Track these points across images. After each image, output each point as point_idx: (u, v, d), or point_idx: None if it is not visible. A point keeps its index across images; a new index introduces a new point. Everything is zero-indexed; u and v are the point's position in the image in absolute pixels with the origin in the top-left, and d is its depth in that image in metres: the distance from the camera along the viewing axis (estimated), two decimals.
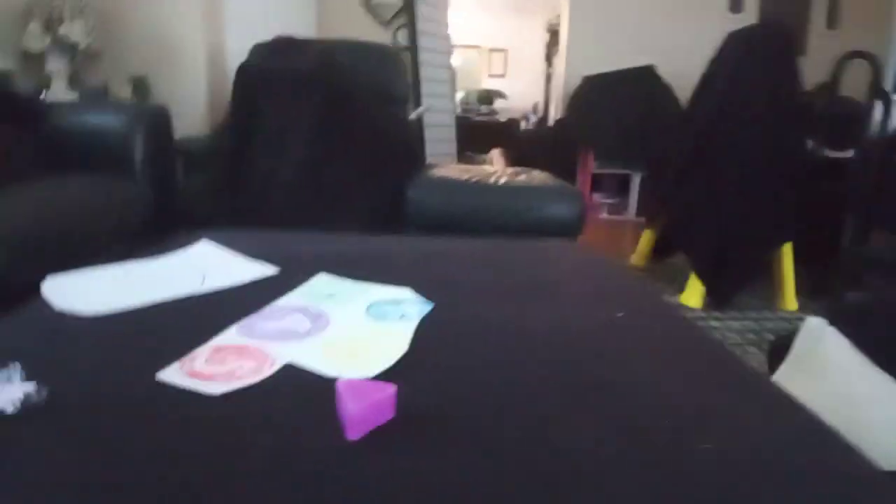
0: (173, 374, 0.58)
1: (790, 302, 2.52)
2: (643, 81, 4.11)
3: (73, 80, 2.38)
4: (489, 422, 0.51)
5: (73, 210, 1.48)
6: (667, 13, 4.42)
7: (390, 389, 0.49)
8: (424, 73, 3.89)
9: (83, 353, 0.64)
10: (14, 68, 2.13)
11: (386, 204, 2.09)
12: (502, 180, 2.28)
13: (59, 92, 2.29)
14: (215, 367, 0.60)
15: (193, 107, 2.67)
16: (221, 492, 0.41)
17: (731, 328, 2.30)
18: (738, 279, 2.43)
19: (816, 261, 2.58)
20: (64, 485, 0.42)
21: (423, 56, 3.92)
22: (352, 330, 0.72)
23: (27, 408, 0.50)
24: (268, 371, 0.59)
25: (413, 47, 3.86)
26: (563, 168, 3.83)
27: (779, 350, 1.34)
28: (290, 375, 0.59)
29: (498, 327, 0.75)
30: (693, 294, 2.47)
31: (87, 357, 0.63)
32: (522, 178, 2.41)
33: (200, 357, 0.62)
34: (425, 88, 3.87)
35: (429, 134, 3.90)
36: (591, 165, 4.21)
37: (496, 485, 0.42)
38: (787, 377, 1.27)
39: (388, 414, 0.49)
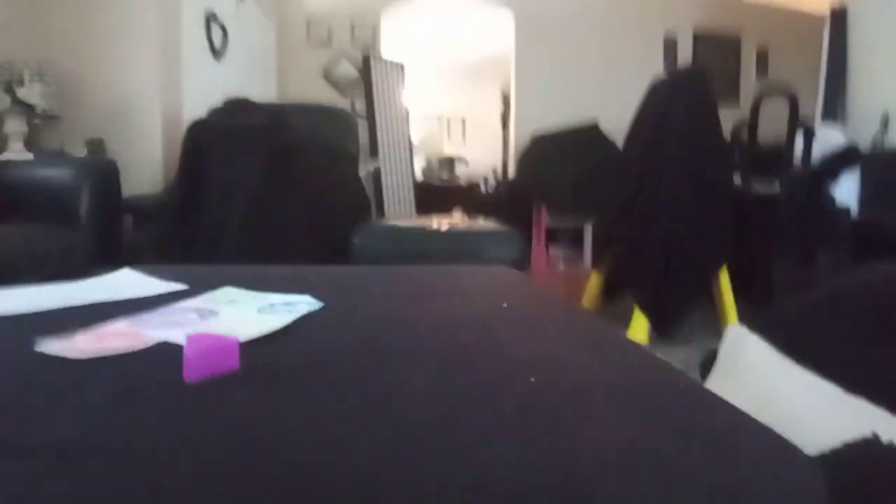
0: (49, 347, 0.62)
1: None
2: (588, 137, 4.31)
3: (31, 142, 2.46)
4: (338, 377, 0.56)
5: (8, 254, 1.51)
6: (608, 73, 4.71)
7: (233, 340, 0.54)
8: (381, 136, 4.08)
9: None
10: None
11: (331, 249, 2.15)
12: (445, 227, 2.38)
13: (15, 153, 2.36)
14: (90, 344, 0.64)
15: (148, 166, 2.75)
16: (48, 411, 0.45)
17: (677, 357, 2.36)
18: (677, 308, 2.52)
19: (753, 292, 2.69)
20: None
21: (380, 121, 4.11)
22: (236, 322, 0.76)
23: None
24: (139, 346, 0.64)
25: (370, 113, 4.05)
26: (521, 225, 3.97)
27: (708, 363, 1.41)
28: (161, 350, 0.63)
29: (382, 321, 0.80)
30: (639, 328, 2.54)
31: None
32: (465, 224, 2.52)
33: (82, 337, 0.66)
34: (382, 150, 4.04)
35: (387, 190, 4.04)
36: (544, 220, 4.35)
37: (335, 419, 0.47)
38: (715, 384, 1.32)
39: (232, 364, 0.54)
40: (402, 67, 4.60)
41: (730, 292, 2.66)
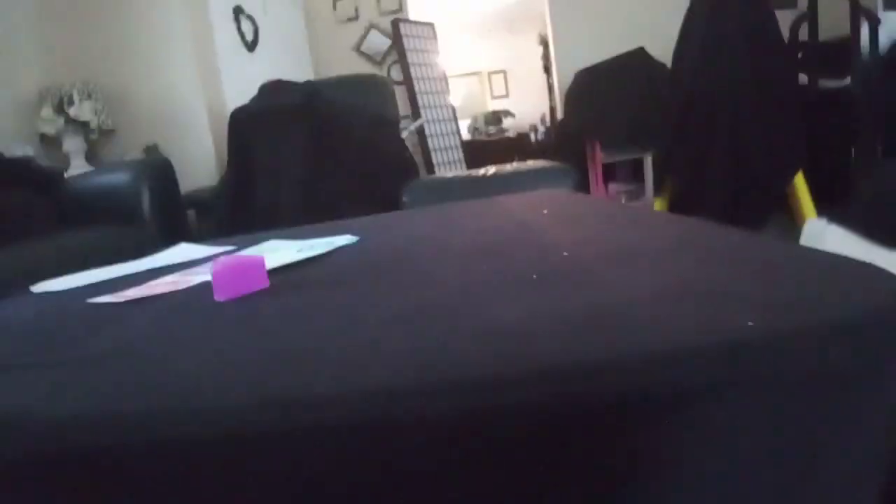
0: (99, 299, 0.65)
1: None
2: (636, 64, 4.11)
3: (91, 157, 2.59)
4: (367, 278, 0.56)
5: (82, 257, 1.61)
6: None
7: (259, 258, 0.55)
8: (421, 99, 4.05)
9: (39, 305, 0.73)
10: (34, 152, 2.35)
11: (381, 209, 2.16)
12: (491, 172, 2.34)
13: (78, 169, 2.50)
14: (138, 292, 0.67)
15: (203, 162, 2.86)
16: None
17: None
18: (754, 220, 2.39)
19: (831, 194, 2.51)
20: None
21: (417, 84, 4.08)
22: (277, 260, 0.78)
23: None
24: (182, 286, 0.66)
25: (407, 76, 4.02)
26: (576, 165, 3.84)
27: None
28: (202, 286, 0.65)
29: (415, 238, 0.79)
30: None
31: (40, 304, 0.71)
32: (512, 167, 2.47)
33: (132, 290, 0.69)
34: (424, 112, 4.02)
35: (434, 152, 4.03)
36: (599, 157, 4.21)
37: (362, 298, 0.47)
38: None
39: (261, 283, 0.54)
40: (432, 26, 4.52)
41: (807, 194, 2.48)
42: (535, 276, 0.44)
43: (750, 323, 0.29)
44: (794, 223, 2.51)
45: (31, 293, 0.84)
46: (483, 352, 0.29)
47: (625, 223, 0.66)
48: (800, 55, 2.80)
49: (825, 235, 1.41)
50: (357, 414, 0.25)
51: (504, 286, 0.43)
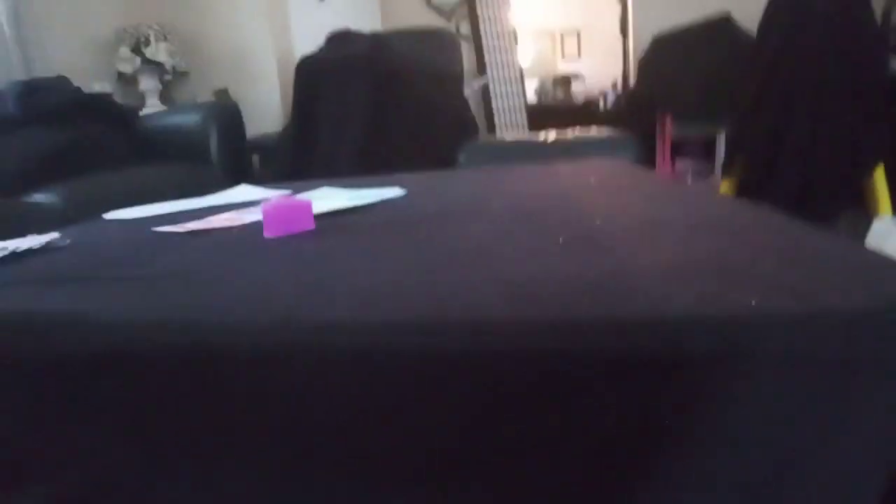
0: (162, 229, 0.69)
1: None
2: (719, 31, 3.87)
3: (164, 97, 2.70)
4: (405, 229, 0.57)
5: (151, 191, 1.70)
6: None
7: (306, 201, 0.57)
8: (488, 56, 3.98)
9: (108, 230, 0.78)
10: (112, 89, 2.47)
11: (437, 167, 2.17)
12: (551, 138, 2.30)
13: (152, 108, 2.61)
14: (197, 225, 0.71)
15: (269, 109, 2.92)
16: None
17: None
18: (825, 212, 2.26)
19: None
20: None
21: (486, 41, 4.01)
22: (327, 205, 0.80)
23: (49, 247, 0.64)
24: (237, 223, 0.69)
25: (475, 31, 3.96)
26: (643, 138, 3.69)
27: None
28: (255, 225, 0.68)
29: (459, 197, 0.80)
30: None
31: (109, 229, 0.77)
32: (573, 134, 2.42)
33: (192, 223, 0.73)
34: (490, 70, 3.97)
35: (497, 113, 3.99)
36: (669, 130, 4.05)
37: (396, 249, 0.49)
38: None
39: (307, 224, 0.57)
40: None
41: (885, 189, 2.32)
42: (560, 241, 0.44)
43: (753, 302, 0.28)
44: (868, 219, 2.36)
45: (104, 220, 0.91)
46: (489, 299, 0.31)
47: (667, 199, 0.65)
48: (892, 40, 2.59)
49: (892, 235, 1.33)
50: (365, 341, 0.28)
51: (528, 246, 0.44)
